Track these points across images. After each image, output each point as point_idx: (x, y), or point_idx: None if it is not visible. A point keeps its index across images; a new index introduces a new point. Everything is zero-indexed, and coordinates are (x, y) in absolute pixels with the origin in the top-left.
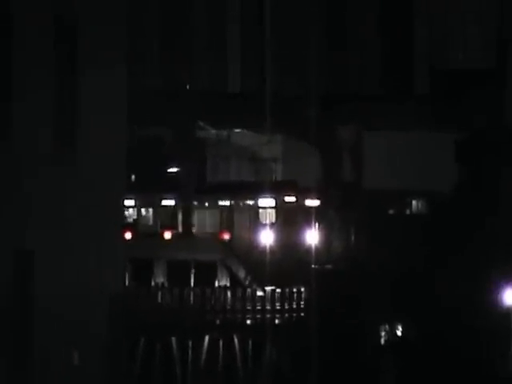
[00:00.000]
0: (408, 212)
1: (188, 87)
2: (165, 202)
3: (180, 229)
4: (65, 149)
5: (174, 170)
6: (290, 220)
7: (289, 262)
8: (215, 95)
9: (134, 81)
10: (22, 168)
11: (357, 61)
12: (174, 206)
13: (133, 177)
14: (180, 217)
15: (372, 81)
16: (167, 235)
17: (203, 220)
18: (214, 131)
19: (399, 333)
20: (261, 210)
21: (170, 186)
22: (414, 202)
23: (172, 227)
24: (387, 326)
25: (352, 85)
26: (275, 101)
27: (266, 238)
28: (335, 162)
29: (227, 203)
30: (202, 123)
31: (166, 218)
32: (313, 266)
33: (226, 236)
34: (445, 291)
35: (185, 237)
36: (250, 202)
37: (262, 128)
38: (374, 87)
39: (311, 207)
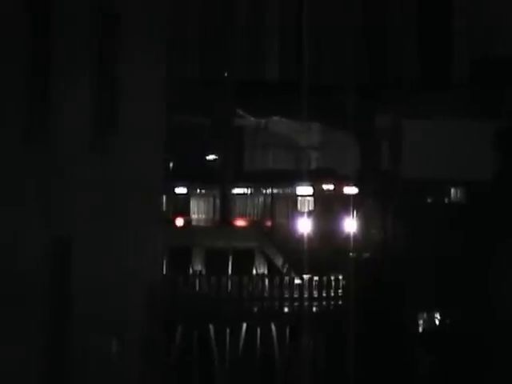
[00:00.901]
0: (447, 200)
1: (226, 74)
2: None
3: (217, 217)
4: (104, 136)
5: (212, 157)
6: (327, 208)
7: (326, 250)
8: (253, 83)
9: (173, 68)
10: (62, 155)
11: (396, 49)
12: (211, 193)
13: (171, 164)
14: (218, 205)
15: (411, 69)
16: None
17: (241, 208)
18: (252, 119)
19: (437, 321)
20: (299, 198)
21: (209, 174)
22: (452, 191)
23: (209, 215)
24: (425, 315)
25: (391, 73)
26: (313, 89)
27: (304, 226)
28: (373, 150)
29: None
30: (240, 111)
31: (204, 206)
32: (351, 254)
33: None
34: (484, 280)
35: (223, 224)
36: (288, 190)
37: (300, 116)
38: (413, 76)
39: (349, 195)
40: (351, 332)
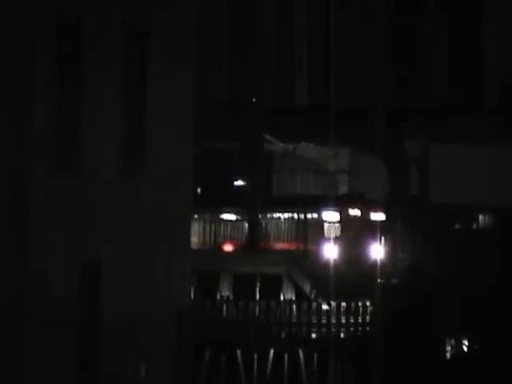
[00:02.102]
0: (475, 226)
1: (254, 100)
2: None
3: (246, 242)
4: (133, 161)
5: (241, 183)
6: (355, 233)
7: (353, 276)
8: (282, 108)
9: (202, 93)
10: (91, 180)
11: (425, 73)
12: (240, 219)
13: (199, 190)
14: (246, 230)
15: (440, 93)
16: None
17: (270, 233)
18: (280, 144)
19: (465, 348)
20: (326, 224)
21: (237, 199)
22: (481, 217)
23: (238, 240)
24: (453, 341)
25: (420, 97)
26: (342, 113)
27: (331, 251)
28: (402, 175)
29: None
30: (268, 136)
31: (233, 231)
32: (379, 280)
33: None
34: (508, 306)
35: (251, 250)
36: (316, 216)
37: (329, 141)
38: (443, 100)
39: (377, 220)
40: (379, 358)
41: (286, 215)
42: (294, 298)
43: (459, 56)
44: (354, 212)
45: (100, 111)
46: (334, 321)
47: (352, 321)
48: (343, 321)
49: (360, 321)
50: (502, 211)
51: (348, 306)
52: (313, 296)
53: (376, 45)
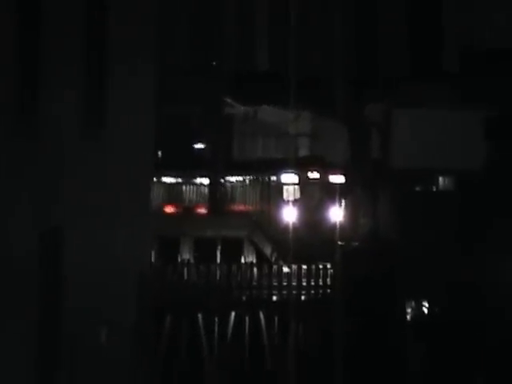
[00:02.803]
0: (435, 190)
1: (215, 64)
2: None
3: (207, 205)
4: (93, 125)
5: (202, 146)
6: (314, 196)
7: (314, 239)
8: (243, 72)
9: (162, 57)
10: (51, 145)
11: (386, 38)
12: (201, 182)
13: (159, 153)
14: (207, 193)
15: (401, 58)
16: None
17: (231, 196)
18: (241, 108)
19: (426, 310)
20: (285, 187)
21: (198, 162)
22: (441, 180)
23: (198, 204)
24: (414, 304)
25: (381, 62)
26: (303, 78)
27: (291, 215)
28: (363, 139)
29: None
30: (229, 100)
31: (193, 195)
32: (339, 243)
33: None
34: (471, 268)
35: (211, 213)
36: (276, 179)
37: (290, 105)
38: (403, 66)
39: (337, 184)
40: (339, 320)
41: (247, 179)
42: (254, 261)
43: (418, 21)
44: (314, 175)
45: (60, 73)
46: (294, 283)
47: (313, 283)
48: (304, 283)
49: (321, 283)
50: (462, 175)
51: (309, 269)
52: (273, 259)
53: (336, 11)
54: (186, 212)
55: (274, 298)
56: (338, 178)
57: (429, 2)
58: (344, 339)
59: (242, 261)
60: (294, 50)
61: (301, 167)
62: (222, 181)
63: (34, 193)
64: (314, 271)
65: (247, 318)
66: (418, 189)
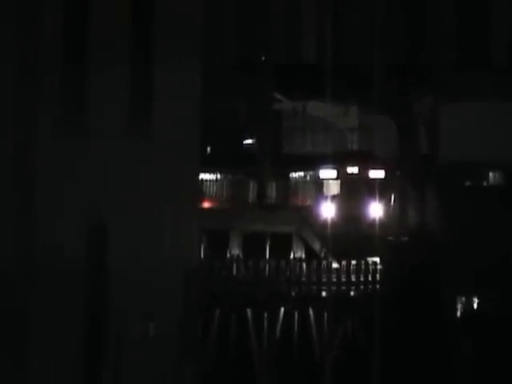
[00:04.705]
0: (484, 184)
1: (263, 59)
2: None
3: (256, 200)
4: (140, 122)
5: (250, 142)
6: (354, 191)
7: (362, 235)
8: (291, 67)
9: (210, 52)
10: (98, 142)
11: (433, 30)
12: (250, 178)
13: (208, 149)
14: (256, 189)
15: (449, 51)
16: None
17: (280, 191)
18: (290, 103)
19: (476, 306)
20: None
21: (247, 158)
22: (490, 174)
23: (247, 199)
24: (464, 300)
25: (429, 56)
26: (351, 73)
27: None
28: (412, 133)
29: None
30: (278, 95)
31: (242, 190)
32: (388, 238)
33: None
34: None
35: (260, 208)
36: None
37: (338, 100)
38: (452, 58)
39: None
40: (389, 316)
41: (296, 174)
42: (303, 257)
43: (467, 13)
44: (353, 170)
45: (107, 71)
46: (344, 279)
47: (362, 279)
48: (353, 279)
49: (370, 279)
50: (511, 169)
51: (358, 264)
52: (323, 254)
53: (383, 2)
54: (235, 207)
55: (324, 293)
56: (378, 173)
57: None
58: (392, 335)
59: (291, 256)
60: (342, 44)
61: (340, 162)
62: (271, 176)
63: (81, 191)
64: (363, 267)
65: (296, 314)
66: (467, 183)
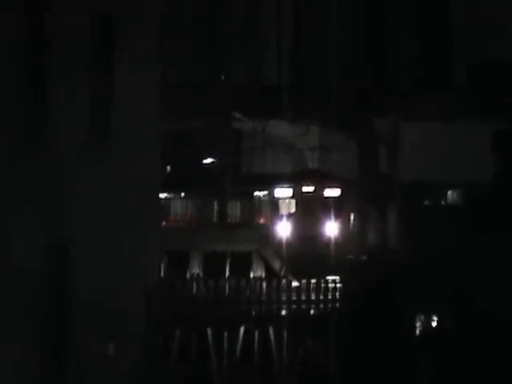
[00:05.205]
0: (443, 203)
1: (223, 78)
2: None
3: (216, 220)
4: (101, 141)
5: (210, 161)
6: (314, 211)
7: (323, 253)
8: (250, 86)
9: (169, 72)
10: (60, 159)
11: (395, 52)
12: (209, 197)
13: (168, 168)
14: (216, 208)
15: (409, 72)
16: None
17: (239, 211)
18: (249, 122)
19: (435, 324)
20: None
21: (207, 178)
22: (449, 193)
23: (208, 219)
24: (423, 317)
25: (389, 76)
26: (311, 92)
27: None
28: (372, 152)
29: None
30: (237, 115)
31: (202, 210)
32: (348, 256)
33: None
34: (482, 283)
35: (221, 228)
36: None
37: (298, 119)
38: (412, 78)
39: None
40: (348, 334)
41: (256, 193)
42: (263, 276)
43: (429, 34)
44: (309, 189)
45: (68, 90)
46: (304, 298)
47: (322, 298)
48: (313, 298)
49: (330, 297)
50: (470, 188)
51: (318, 283)
52: (282, 273)
53: (346, 21)
54: (196, 226)
55: (284, 312)
56: (335, 192)
57: (440, 14)
58: (352, 353)
59: (252, 275)
60: (302, 64)
61: (298, 181)
62: (231, 195)
63: (40, 206)
64: (323, 285)
65: (256, 333)
66: (426, 202)
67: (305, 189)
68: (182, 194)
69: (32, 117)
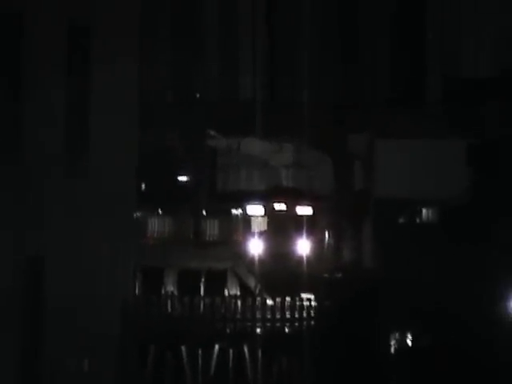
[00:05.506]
0: (418, 220)
1: (198, 96)
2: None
3: (191, 237)
4: (78, 158)
5: (185, 179)
6: (285, 229)
7: (297, 271)
8: (225, 104)
9: (145, 89)
10: (35, 175)
11: (368, 69)
12: (184, 214)
13: (143, 186)
14: (191, 225)
15: (384, 89)
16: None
17: (215, 228)
18: (224, 140)
19: (410, 341)
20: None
21: (182, 195)
22: (424, 211)
23: (183, 236)
24: (398, 335)
25: (364, 93)
26: (286, 109)
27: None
28: (346, 169)
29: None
30: (212, 132)
31: (177, 227)
32: (323, 275)
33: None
34: (456, 300)
35: (196, 245)
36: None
37: (273, 136)
38: (386, 95)
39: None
40: (323, 352)
41: (231, 211)
42: (238, 294)
43: (402, 49)
44: (281, 207)
45: (43, 105)
46: (278, 316)
47: (297, 316)
48: (288, 316)
49: (305, 316)
50: (444, 205)
51: (292, 301)
52: (257, 291)
53: (321, 42)
54: (171, 244)
55: (258, 330)
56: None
57: (413, 29)
58: (327, 371)
59: (226, 293)
60: (277, 81)
61: (270, 198)
62: (206, 213)
63: (18, 227)
64: (297, 303)
65: (231, 351)
66: (401, 220)
67: (277, 206)
68: (158, 212)
69: (5, 135)
